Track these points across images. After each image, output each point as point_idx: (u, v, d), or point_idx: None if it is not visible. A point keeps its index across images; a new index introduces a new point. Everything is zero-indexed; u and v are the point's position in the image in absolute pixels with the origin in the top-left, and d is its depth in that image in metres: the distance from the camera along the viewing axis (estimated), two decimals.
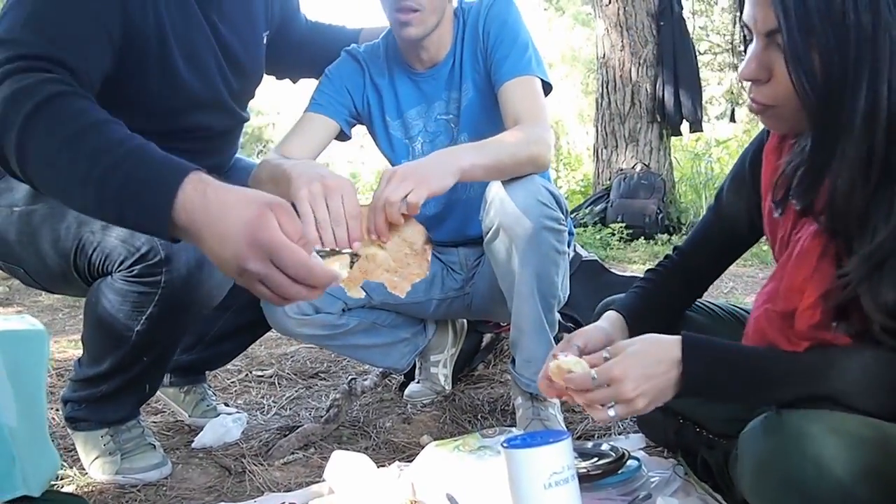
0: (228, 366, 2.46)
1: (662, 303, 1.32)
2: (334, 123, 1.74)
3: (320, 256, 1.07)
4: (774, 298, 0.99)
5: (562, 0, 14.71)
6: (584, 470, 1.29)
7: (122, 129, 1.07)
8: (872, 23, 0.85)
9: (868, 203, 0.89)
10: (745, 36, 0.97)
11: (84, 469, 1.62)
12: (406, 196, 1.30)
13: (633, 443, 1.60)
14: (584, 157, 9.63)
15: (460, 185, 1.51)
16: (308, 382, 2.28)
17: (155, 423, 1.96)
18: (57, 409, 1.85)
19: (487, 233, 1.59)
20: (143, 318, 1.43)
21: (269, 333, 2.95)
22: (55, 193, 1.12)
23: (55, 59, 1.17)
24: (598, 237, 5.02)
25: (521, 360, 1.67)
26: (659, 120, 5.69)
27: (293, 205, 1.21)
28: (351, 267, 1.24)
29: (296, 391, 2.19)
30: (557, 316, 1.68)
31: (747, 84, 0.98)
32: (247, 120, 1.80)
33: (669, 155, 5.89)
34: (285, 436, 1.77)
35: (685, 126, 5.75)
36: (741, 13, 0.97)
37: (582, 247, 3.41)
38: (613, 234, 5.08)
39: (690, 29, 6.38)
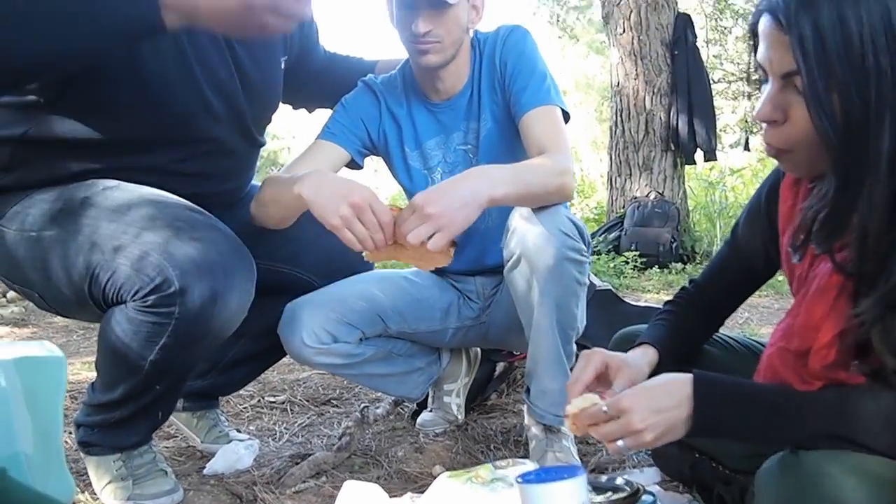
0: (241, 391, 2.46)
1: (685, 336, 1.32)
2: (345, 152, 1.75)
3: None
4: (789, 336, 0.98)
5: (576, 28, 14.82)
6: None
7: None
8: (892, 64, 0.85)
9: (893, 244, 0.89)
10: (759, 76, 0.98)
11: (96, 494, 1.62)
12: (428, 238, 1.31)
13: (648, 477, 1.58)
14: (597, 185, 9.63)
15: (481, 213, 1.51)
16: (320, 409, 2.28)
17: (167, 448, 1.96)
18: (70, 433, 1.85)
19: (508, 261, 1.59)
20: (157, 347, 1.43)
21: (282, 358, 2.96)
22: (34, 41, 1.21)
23: None
24: (611, 265, 5.01)
25: (537, 390, 1.66)
26: (673, 148, 5.69)
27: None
28: None
29: (308, 418, 2.19)
30: (575, 346, 1.67)
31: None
32: (263, 145, 1.80)
33: (683, 183, 5.88)
34: (297, 463, 1.76)
35: (699, 154, 5.75)
36: (755, 53, 0.97)
37: (595, 275, 3.40)
38: (627, 263, 5.06)
39: (704, 58, 6.40)
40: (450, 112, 1.77)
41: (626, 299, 2.62)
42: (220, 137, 1.63)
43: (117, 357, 1.48)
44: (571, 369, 1.64)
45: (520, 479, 1.02)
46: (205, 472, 1.76)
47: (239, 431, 2.01)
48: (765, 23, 0.94)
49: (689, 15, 5.99)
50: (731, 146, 14.10)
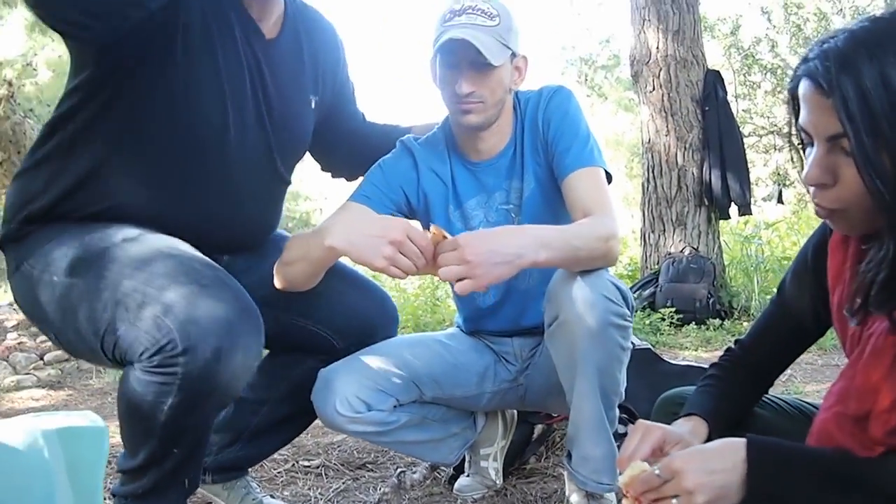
0: (275, 455, 2.43)
1: (733, 400, 1.27)
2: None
3: None
4: (846, 400, 0.94)
5: (604, 87, 14.98)
6: None
7: None
8: None
9: None
10: (802, 139, 0.96)
11: None
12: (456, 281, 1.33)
13: None
14: (629, 241, 9.59)
15: (521, 273, 1.49)
16: (356, 474, 2.24)
17: None
18: (108, 500, 1.84)
19: (550, 325, 1.56)
20: (166, 408, 1.41)
21: (316, 422, 2.93)
22: None
23: None
24: (647, 322, 4.94)
25: (578, 456, 1.61)
26: (707, 203, 5.65)
27: None
28: None
29: (343, 483, 2.15)
30: (617, 411, 1.63)
31: (811, 188, 0.96)
32: (289, 184, 1.81)
33: (718, 238, 5.81)
34: None
35: (734, 209, 5.70)
36: (796, 118, 0.96)
37: (633, 333, 3.35)
38: (663, 320, 4.99)
39: (734, 112, 6.39)
40: (491, 171, 1.76)
41: (665, 357, 2.57)
42: (247, 159, 1.63)
43: (133, 419, 1.48)
44: (614, 434, 1.60)
45: None
46: None
47: (273, 497, 1.98)
48: (805, 87, 0.92)
49: (718, 71, 6.01)
50: (763, 199, 14.01)
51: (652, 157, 5.85)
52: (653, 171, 5.84)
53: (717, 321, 5.07)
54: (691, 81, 5.75)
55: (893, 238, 0.90)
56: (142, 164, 1.56)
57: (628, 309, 1.54)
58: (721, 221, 5.88)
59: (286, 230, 2.00)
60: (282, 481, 2.21)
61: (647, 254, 5.89)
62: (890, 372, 0.91)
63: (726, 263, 5.95)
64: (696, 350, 4.34)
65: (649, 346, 2.53)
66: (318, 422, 2.76)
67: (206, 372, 1.38)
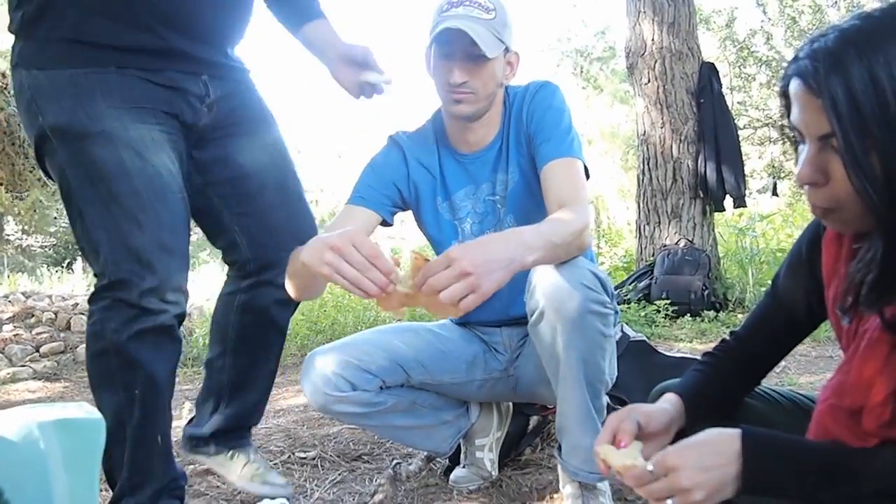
0: (271, 447, 2.45)
1: (720, 388, 1.28)
2: (376, 215, 1.76)
3: None
4: (841, 393, 0.95)
5: (600, 79, 14.98)
6: None
7: None
8: None
9: None
10: (794, 137, 0.96)
11: None
12: (459, 300, 1.23)
13: None
14: (624, 233, 9.61)
15: None
16: (351, 465, 2.25)
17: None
18: (105, 490, 1.84)
19: (532, 316, 1.57)
20: None
21: (311, 413, 2.94)
22: None
23: None
24: (642, 314, 4.95)
25: (568, 447, 1.62)
26: (702, 196, 5.66)
27: None
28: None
29: (339, 474, 2.16)
30: (605, 400, 1.64)
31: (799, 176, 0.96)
32: None
33: (713, 230, 5.83)
34: None
35: (728, 201, 5.71)
36: (788, 114, 0.96)
37: (627, 324, 3.36)
38: (658, 312, 5.00)
39: (729, 104, 6.40)
40: (479, 163, 1.78)
41: (660, 349, 2.58)
42: None
43: None
44: (603, 423, 1.61)
45: None
46: None
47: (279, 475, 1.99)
48: (795, 87, 0.92)
49: (713, 63, 6.01)
50: (758, 192, 14.04)
51: (647, 149, 5.86)
52: (648, 164, 5.85)
53: (712, 313, 5.10)
54: (686, 74, 5.76)
55: (882, 238, 0.90)
56: None
57: (608, 296, 1.54)
58: (716, 213, 5.90)
59: None
60: (278, 472, 2.21)
61: (643, 246, 5.91)
62: (884, 367, 0.91)
63: (721, 255, 5.97)
64: (692, 342, 4.36)
65: (644, 339, 2.54)
66: (314, 413, 2.77)
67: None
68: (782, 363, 3.60)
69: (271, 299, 1.86)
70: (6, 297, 6.22)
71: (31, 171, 7.57)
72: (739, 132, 6.59)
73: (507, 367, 1.87)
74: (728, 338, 1.33)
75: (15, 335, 5.14)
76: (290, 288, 1.58)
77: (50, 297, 6.17)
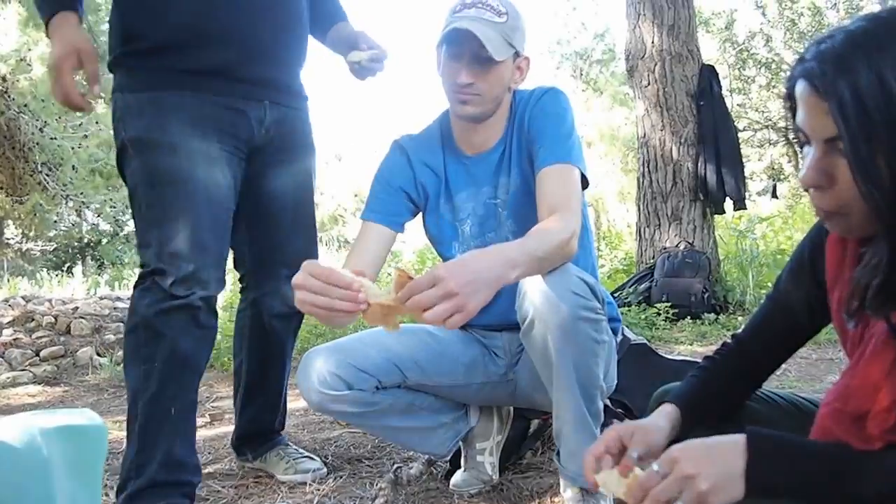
0: None
1: (720, 392, 1.28)
2: (390, 232, 1.77)
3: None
4: (845, 398, 0.94)
5: (600, 81, 14.99)
6: None
7: None
8: None
9: None
10: (799, 139, 0.95)
11: None
12: (445, 320, 1.21)
13: None
14: (624, 235, 9.60)
15: None
16: (352, 469, 2.24)
17: None
18: (107, 495, 1.85)
19: (523, 324, 1.57)
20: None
21: (312, 416, 2.94)
22: None
23: None
24: (642, 317, 4.95)
25: (566, 452, 1.63)
26: (702, 198, 5.66)
27: None
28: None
29: (340, 478, 2.15)
30: (601, 405, 1.63)
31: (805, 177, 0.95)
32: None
33: (713, 233, 5.83)
34: None
35: (728, 204, 5.71)
36: (793, 117, 0.95)
37: (628, 327, 3.36)
38: (659, 314, 5.00)
39: (729, 107, 6.40)
40: (482, 165, 1.79)
41: (660, 351, 2.57)
42: None
43: None
44: (603, 425, 1.61)
45: None
46: None
47: (313, 459, 2.20)
48: (801, 89, 0.91)
49: (713, 66, 6.02)
50: (758, 194, 14.05)
51: (647, 151, 5.86)
52: (648, 166, 5.85)
53: (713, 315, 5.09)
54: (686, 76, 5.76)
55: (888, 243, 0.89)
56: None
57: (598, 301, 1.54)
58: (716, 216, 5.90)
59: None
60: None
61: (643, 248, 5.90)
62: (890, 372, 0.90)
63: (721, 258, 5.97)
64: (692, 344, 4.36)
65: (645, 342, 2.54)
66: (314, 417, 2.77)
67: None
68: (783, 366, 3.60)
69: (271, 313, 2.08)
70: (6, 300, 6.21)
71: (31, 175, 7.57)
72: (739, 134, 6.59)
73: (507, 372, 1.87)
74: (729, 341, 1.33)
75: (15, 339, 5.14)
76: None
77: (50, 301, 6.17)
